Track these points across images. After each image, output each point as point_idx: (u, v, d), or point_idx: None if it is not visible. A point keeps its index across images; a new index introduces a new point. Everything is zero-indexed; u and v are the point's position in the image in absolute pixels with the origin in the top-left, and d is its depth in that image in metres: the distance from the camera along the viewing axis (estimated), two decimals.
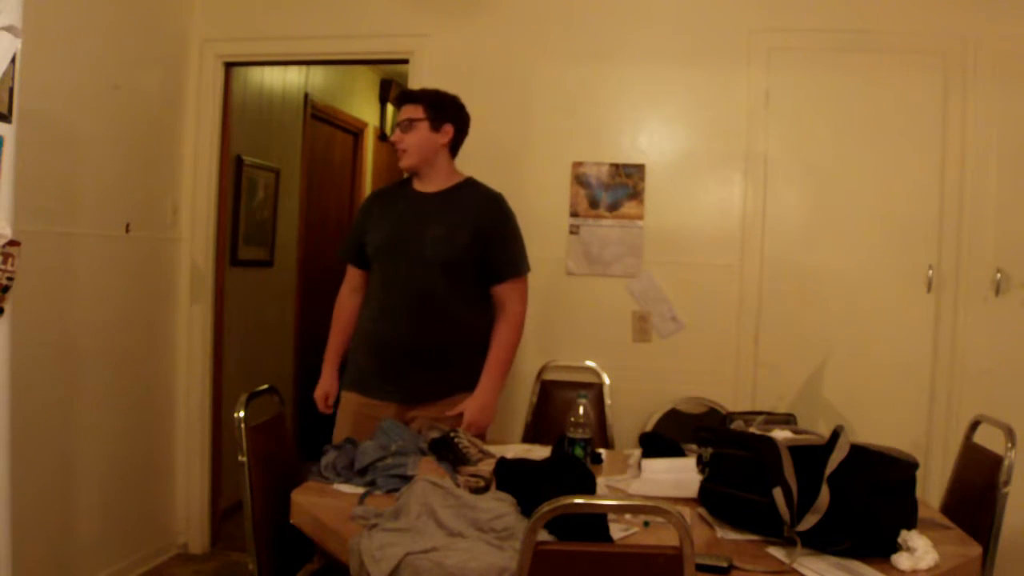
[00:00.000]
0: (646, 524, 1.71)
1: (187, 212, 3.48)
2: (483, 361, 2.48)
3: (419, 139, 2.44)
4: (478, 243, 2.42)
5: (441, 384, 2.44)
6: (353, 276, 2.64)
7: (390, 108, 5.42)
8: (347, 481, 1.98)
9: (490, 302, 2.50)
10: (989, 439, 2.16)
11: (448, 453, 2.03)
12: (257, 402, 2.12)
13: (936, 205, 3.01)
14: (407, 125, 2.44)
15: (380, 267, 2.50)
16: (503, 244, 2.48)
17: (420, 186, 2.52)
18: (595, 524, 1.53)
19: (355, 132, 5.18)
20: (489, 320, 2.49)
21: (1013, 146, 2.96)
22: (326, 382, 2.58)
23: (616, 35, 3.18)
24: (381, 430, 2.19)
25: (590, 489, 1.71)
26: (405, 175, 2.58)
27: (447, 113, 2.46)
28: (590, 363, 3.19)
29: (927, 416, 3.01)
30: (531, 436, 3.07)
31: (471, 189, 2.53)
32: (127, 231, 3.11)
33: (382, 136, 5.44)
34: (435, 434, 2.16)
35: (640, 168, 3.16)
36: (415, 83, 3.27)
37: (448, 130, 2.46)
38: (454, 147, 2.52)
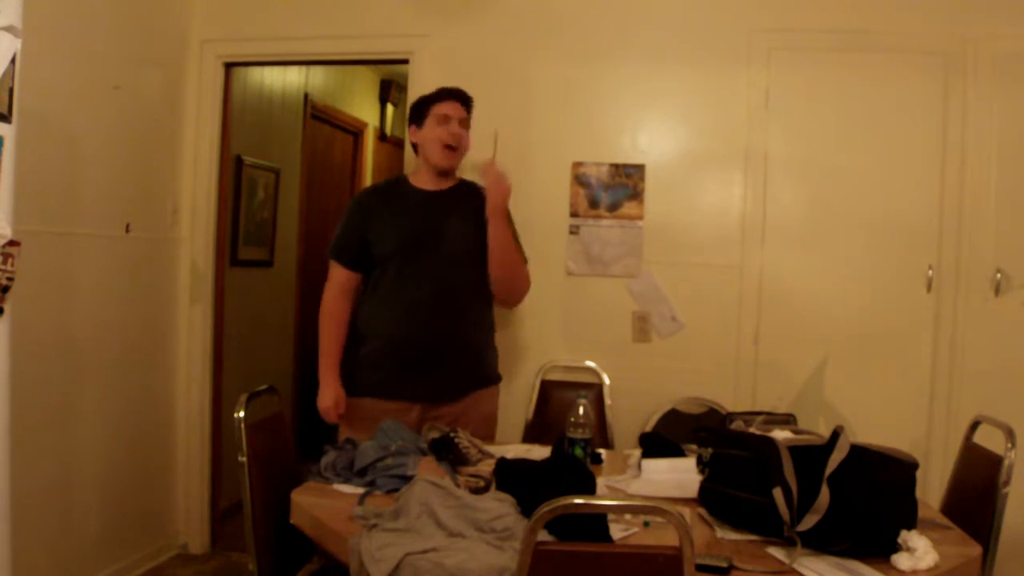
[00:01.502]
0: (646, 524, 1.71)
1: (187, 212, 3.48)
2: (494, 352, 2.63)
3: (469, 140, 2.54)
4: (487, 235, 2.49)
5: (465, 380, 2.51)
6: (345, 279, 2.54)
7: (390, 108, 5.42)
8: (347, 481, 1.98)
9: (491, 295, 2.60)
10: (989, 439, 2.16)
11: (448, 453, 2.03)
12: (257, 402, 2.12)
13: (936, 205, 3.01)
14: (465, 123, 2.52)
15: (399, 267, 2.46)
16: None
17: (423, 183, 2.55)
18: (595, 524, 1.53)
19: (355, 132, 5.18)
20: (490, 311, 2.61)
21: (1013, 146, 2.96)
22: (334, 390, 2.46)
23: (616, 35, 3.18)
24: (381, 430, 2.19)
25: (590, 489, 1.71)
26: (405, 173, 2.63)
27: None
28: (590, 363, 3.19)
29: (927, 416, 3.01)
30: (531, 436, 3.07)
31: (469, 186, 2.60)
32: (127, 231, 3.11)
33: (382, 136, 5.45)
34: (435, 434, 2.16)
35: (640, 168, 3.16)
36: (415, 83, 3.27)
37: None
38: None
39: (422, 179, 2.55)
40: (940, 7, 3.00)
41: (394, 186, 2.63)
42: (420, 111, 2.54)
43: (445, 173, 2.54)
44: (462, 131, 2.50)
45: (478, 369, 2.56)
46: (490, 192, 2.44)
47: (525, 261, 2.61)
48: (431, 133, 2.49)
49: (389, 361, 2.46)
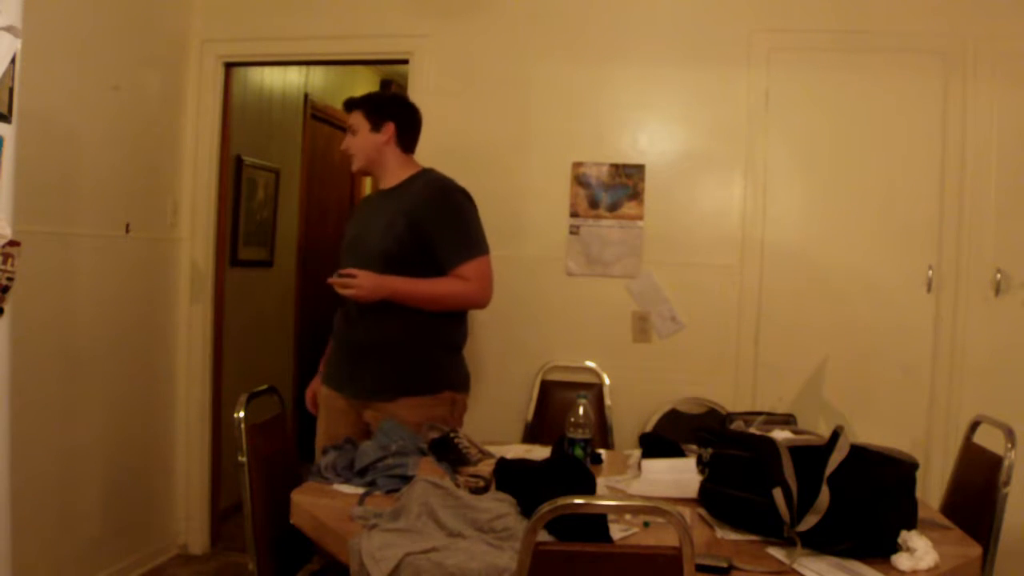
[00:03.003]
0: (646, 524, 1.71)
1: (187, 212, 3.48)
2: (436, 362, 2.42)
3: (361, 142, 2.50)
4: (415, 233, 2.34)
5: (387, 382, 2.37)
6: None
7: None
8: (347, 481, 1.98)
9: None
10: (989, 439, 2.16)
11: (448, 453, 2.03)
12: (257, 402, 2.12)
13: (936, 205, 3.01)
14: (351, 131, 2.51)
15: (342, 266, 2.46)
16: (444, 231, 2.37)
17: (381, 185, 2.57)
18: (595, 524, 1.53)
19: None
20: (441, 320, 2.41)
21: (1013, 146, 2.96)
22: (314, 383, 2.65)
23: (616, 35, 3.18)
24: (381, 430, 2.19)
25: (590, 489, 1.71)
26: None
27: (385, 112, 2.50)
28: (590, 363, 3.19)
29: (927, 416, 3.01)
30: (531, 436, 3.07)
31: (420, 180, 2.48)
32: (127, 231, 3.11)
33: None
34: (435, 434, 2.16)
35: (640, 168, 3.16)
36: (415, 83, 3.28)
37: (389, 128, 2.47)
38: (403, 142, 2.51)
39: (379, 182, 2.57)
40: (940, 7, 3.00)
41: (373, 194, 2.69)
42: None
43: (377, 176, 2.55)
44: (349, 142, 2.52)
45: (410, 373, 2.37)
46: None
47: (481, 252, 2.39)
48: None
49: (332, 353, 2.56)
